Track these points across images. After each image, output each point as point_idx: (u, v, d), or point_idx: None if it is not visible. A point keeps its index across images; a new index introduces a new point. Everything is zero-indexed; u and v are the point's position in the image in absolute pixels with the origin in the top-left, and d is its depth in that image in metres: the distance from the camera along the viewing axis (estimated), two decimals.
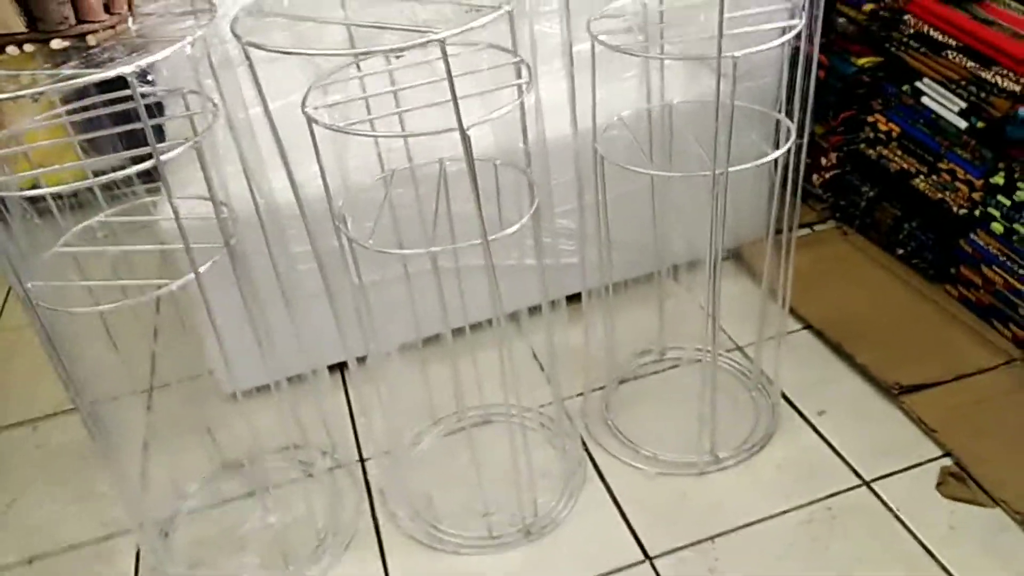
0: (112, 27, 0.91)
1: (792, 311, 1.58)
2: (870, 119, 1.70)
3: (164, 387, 1.63)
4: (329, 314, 1.19)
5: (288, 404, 1.26)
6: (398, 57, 0.88)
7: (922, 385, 1.40)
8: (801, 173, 1.19)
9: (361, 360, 1.26)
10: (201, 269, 1.00)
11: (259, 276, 1.13)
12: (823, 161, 1.83)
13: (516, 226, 1.02)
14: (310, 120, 0.93)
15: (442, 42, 0.82)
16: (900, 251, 1.70)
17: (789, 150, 1.14)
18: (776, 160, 1.15)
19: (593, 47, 1.09)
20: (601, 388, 1.51)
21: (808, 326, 1.59)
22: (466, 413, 1.47)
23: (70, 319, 1.03)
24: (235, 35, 0.89)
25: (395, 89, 1.08)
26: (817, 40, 1.09)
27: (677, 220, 1.48)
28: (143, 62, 0.85)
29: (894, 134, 1.65)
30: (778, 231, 1.27)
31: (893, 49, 1.62)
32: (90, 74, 0.83)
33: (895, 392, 1.40)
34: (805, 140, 1.16)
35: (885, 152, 1.68)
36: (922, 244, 1.64)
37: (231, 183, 1.06)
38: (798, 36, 1.03)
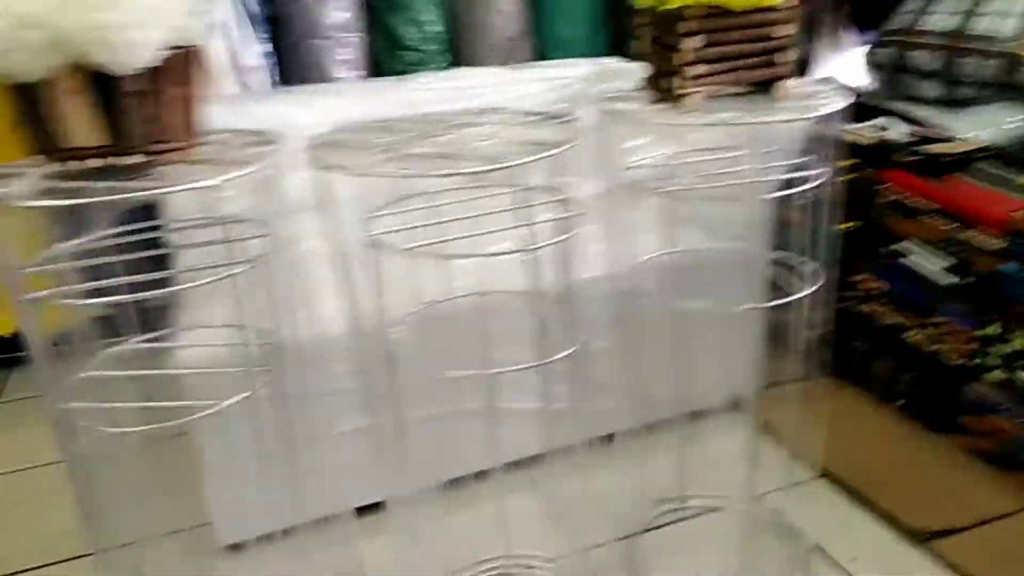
0: (184, 150, 0.92)
1: (805, 460, 1.57)
2: (857, 278, 1.79)
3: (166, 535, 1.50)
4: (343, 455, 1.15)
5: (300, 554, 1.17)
6: (481, 175, 0.91)
7: (951, 530, 1.39)
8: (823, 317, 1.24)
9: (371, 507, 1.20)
10: (228, 402, 0.96)
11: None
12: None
13: (565, 352, 1.02)
14: (373, 244, 0.94)
15: (513, 168, 0.86)
16: (899, 402, 1.74)
17: (813, 291, 1.19)
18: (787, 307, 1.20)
19: (620, 192, 1.16)
20: (625, 538, 1.45)
21: (823, 474, 1.59)
22: (482, 566, 1.38)
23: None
24: (310, 157, 0.92)
25: (441, 221, 1.11)
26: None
27: (684, 369, 1.49)
28: (225, 177, 0.86)
29: (883, 291, 1.74)
30: (775, 383, 1.30)
31: (874, 214, 1.74)
32: (172, 189, 0.84)
33: (925, 537, 1.38)
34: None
35: (875, 308, 1.76)
36: (921, 395, 1.69)
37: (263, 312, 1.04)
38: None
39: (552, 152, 0.87)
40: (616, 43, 2.43)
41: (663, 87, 1.03)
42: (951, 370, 1.61)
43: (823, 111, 0.99)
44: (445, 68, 2.31)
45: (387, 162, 0.96)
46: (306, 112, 1.63)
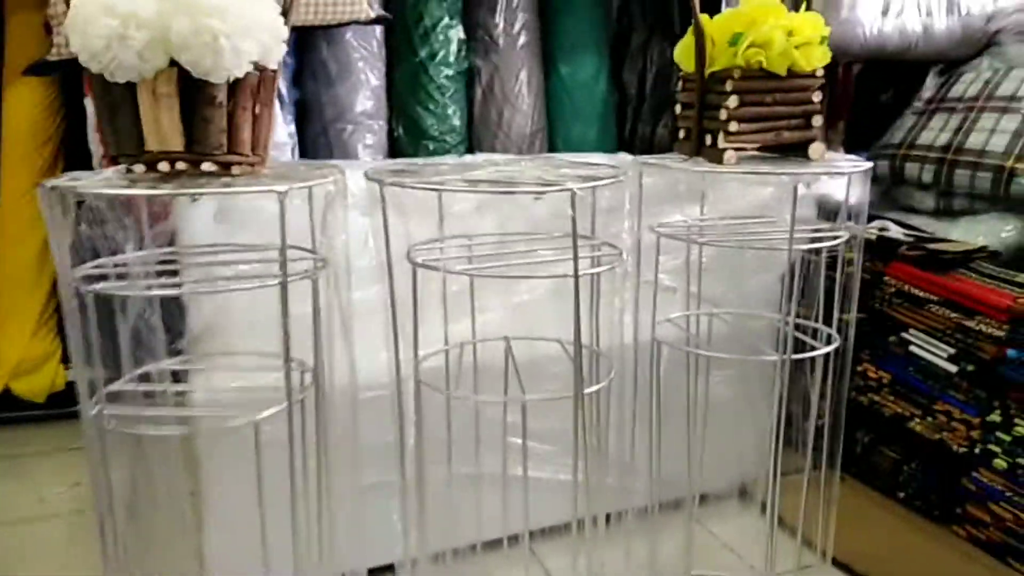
0: (252, 165, 0.97)
1: (808, 546, 1.57)
2: (859, 368, 1.83)
3: None
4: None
5: None
6: (536, 199, 0.96)
7: None
8: (847, 380, 1.27)
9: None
10: (266, 412, 0.97)
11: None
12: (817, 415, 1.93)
13: (603, 383, 1.04)
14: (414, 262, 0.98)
15: (572, 192, 0.91)
16: (902, 494, 1.74)
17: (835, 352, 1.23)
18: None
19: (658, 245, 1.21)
20: None
21: (833, 562, 1.57)
22: None
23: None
24: (373, 179, 0.97)
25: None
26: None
27: (697, 449, 1.51)
28: (295, 186, 0.91)
29: (885, 380, 1.78)
30: (785, 473, 1.32)
31: (876, 305, 1.80)
32: (246, 190, 0.88)
33: None
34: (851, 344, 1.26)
35: (877, 398, 1.80)
36: (924, 485, 1.70)
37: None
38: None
39: (605, 182, 0.93)
40: (622, 143, 2.57)
41: (702, 145, 1.10)
42: (955, 458, 1.63)
43: (859, 167, 1.07)
44: (461, 156, 2.42)
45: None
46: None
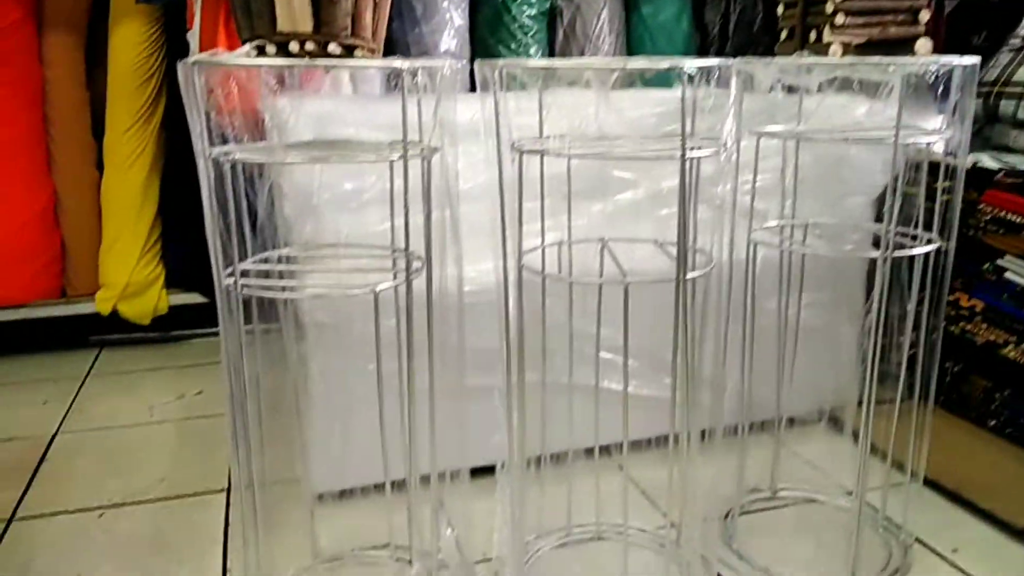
0: (371, 50, 1.02)
1: (897, 464, 1.56)
2: (951, 298, 1.81)
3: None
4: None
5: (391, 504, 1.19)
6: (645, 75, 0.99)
7: None
8: (946, 284, 1.26)
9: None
10: (383, 286, 1.01)
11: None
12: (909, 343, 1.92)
13: (703, 271, 1.07)
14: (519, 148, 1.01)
15: (682, 70, 0.94)
16: (992, 422, 1.72)
17: (933, 256, 1.23)
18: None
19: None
20: (723, 518, 1.45)
21: (924, 481, 1.57)
22: (573, 529, 1.40)
23: None
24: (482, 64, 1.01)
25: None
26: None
27: (787, 372, 1.51)
28: (416, 63, 0.96)
29: (977, 308, 1.75)
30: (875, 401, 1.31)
31: (971, 233, 1.77)
32: (372, 64, 0.93)
33: None
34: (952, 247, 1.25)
35: (969, 327, 1.77)
36: (1016, 412, 1.68)
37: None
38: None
39: (715, 62, 0.95)
40: None
41: (807, 42, 1.11)
42: None
43: (967, 59, 1.06)
44: None
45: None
46: None
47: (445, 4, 2.35)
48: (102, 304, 2.25)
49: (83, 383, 2.11)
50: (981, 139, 2.31)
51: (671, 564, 1.33)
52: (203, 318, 2.32)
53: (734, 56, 2.60)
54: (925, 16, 1.11)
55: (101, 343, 2.37)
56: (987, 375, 1.76)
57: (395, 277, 1.07)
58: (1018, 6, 2.37)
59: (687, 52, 2.55)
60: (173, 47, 2.26)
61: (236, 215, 1.01)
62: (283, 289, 1.06)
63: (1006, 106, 2.18)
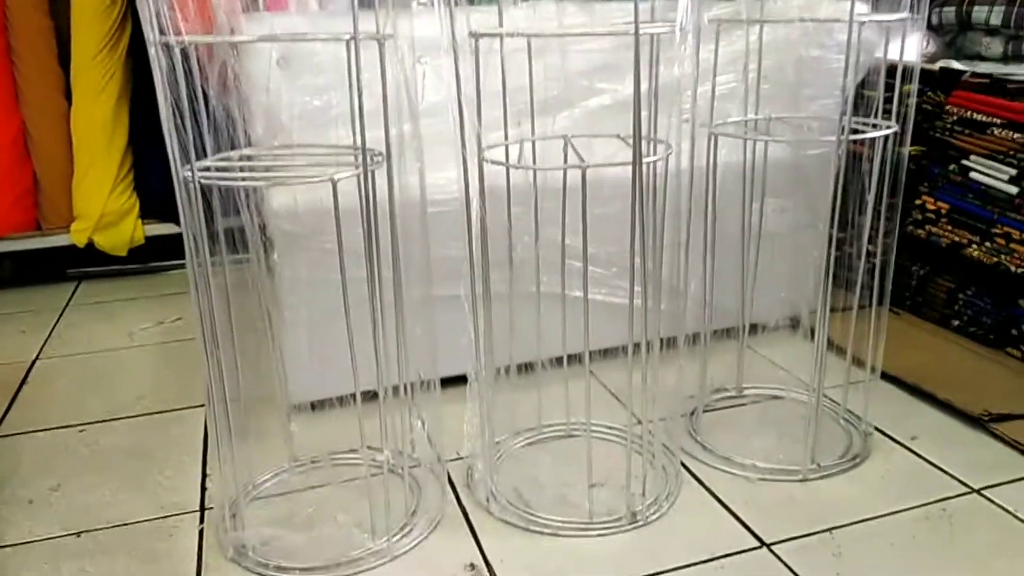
0: None
1: (859, 363, 1.60)
2: (917, 201, 1.83)
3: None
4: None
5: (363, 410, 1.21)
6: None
7: (1010, 415, 1.41)
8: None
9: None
10: (341, 175, 1.01)
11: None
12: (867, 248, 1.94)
13: (660, 156, 1.07)
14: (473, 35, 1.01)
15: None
16: (956, 322, 1.76)
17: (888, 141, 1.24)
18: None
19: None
20: (688, 414, 1.49)
21: (882, 376, 1.61)
22: (543, 429, 1.44)
23: None
24: None
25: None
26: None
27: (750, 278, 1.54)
28: None
29: (943, 211, 1.78)
30: (836, 308, 1.33)
31: (937, 135, 1.79)
32: None
33: (984, 420, 1.40)
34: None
35: (935, 229, 1.80)
36: (979, 311, 1.71)
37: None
38: None
39: None
40: None
41: None
42: (1012, 279, 1.63)
43: None
44: None
45: None
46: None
47: None
48: (77, 235, 2.25)
49: (62, 313, 2.12)
50: (954, 49, 2.31)
51: (636, 456, 1.37)
52: (181, 248, 2.32)
53: None
54: None
55: (79, 276, 2.38)
56: (952, 276, 1.79)
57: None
58: None
59: None
60: None
61: (191, 107, 1.01)
62: (242, 180, 1.06)
63: (978, 13, 2.17)
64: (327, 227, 1.26)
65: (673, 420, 1.44)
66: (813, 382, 1.28)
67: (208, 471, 1.37)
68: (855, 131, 1.19)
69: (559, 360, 1.45)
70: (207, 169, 1.06)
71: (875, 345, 1.37)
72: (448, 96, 1.10)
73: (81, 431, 1.51)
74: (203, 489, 1.32)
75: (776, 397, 1.56)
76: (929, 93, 1.81)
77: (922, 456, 1.35)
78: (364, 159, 1.00)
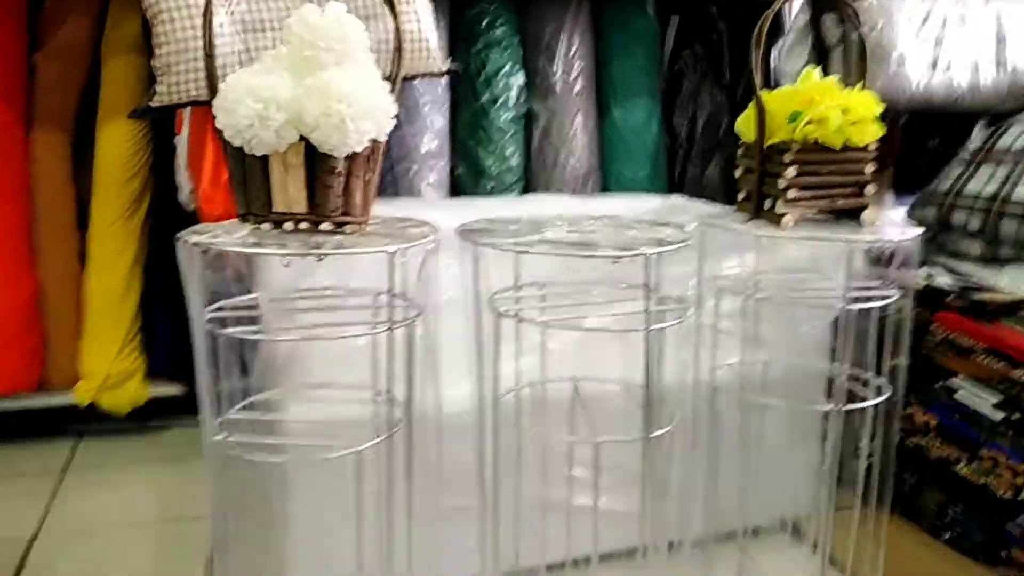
0: (360, 224, 1.09)
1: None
2: (907, 411, 1.90)
3: None
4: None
5: None
6: (614, 262, 1.06)
7: None
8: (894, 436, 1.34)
9: None
10: (367, 444, 1.08)
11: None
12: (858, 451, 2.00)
13: (667, 428, 1.13)
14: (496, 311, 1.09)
15: (646, 256, 1.02)
16: (946, 535, 1.80)
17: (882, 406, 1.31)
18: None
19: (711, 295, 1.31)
20: None
21: None
22: None
23: None
24: (466, 240, 1.08)
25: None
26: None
27: (751, 482, 1.58)
28: (404, 246, 1.03)
29: (931, 424, 1.84)
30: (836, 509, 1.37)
31: (924, 351, 1.87)
32: (366, 251, 1.00)
33: None
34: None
35: (924, 441, 1.86)
36: (969, 527, 1.75)
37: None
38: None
39: (677, 245, 1.03)
40: (672, 184, 2.67)
41: (761, 208, 1.20)
42: (999, 503, 1.68)
43: (908, 234, 1.16)
44: (519, 195, 2.54)
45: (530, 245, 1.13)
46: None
47: (426, 108, 2.45)
48: (82, 395, 2.27)
49: (61, 481, 2.13)
50: (936, 245, 2.44)
51: None
52: (179, 408, 2.35)
53: (701, 159, 2.72)
54: (871, 190, 1.20)
55: (79, 432, 2.39)
56: (941, 489, 1.83)
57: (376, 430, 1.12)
58: (970, 118, 2.52)
59: (656, 153, 2.66)
60: (160, 144, 2.32)
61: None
62: (270, 449, 1.11)
63: (958, 216, 2.30)
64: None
65: None
66: None
67: None
68: (851, 397, 1.26)
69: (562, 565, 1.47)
70: (234, 424, 1.10)
71: (874, 564, 1.39)
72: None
73: None
74: None
75: None
76: (915, 310, 1.90)
77: None
78: (390, 434, 1.05)
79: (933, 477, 1.85)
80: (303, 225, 1.03)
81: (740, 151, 1.27)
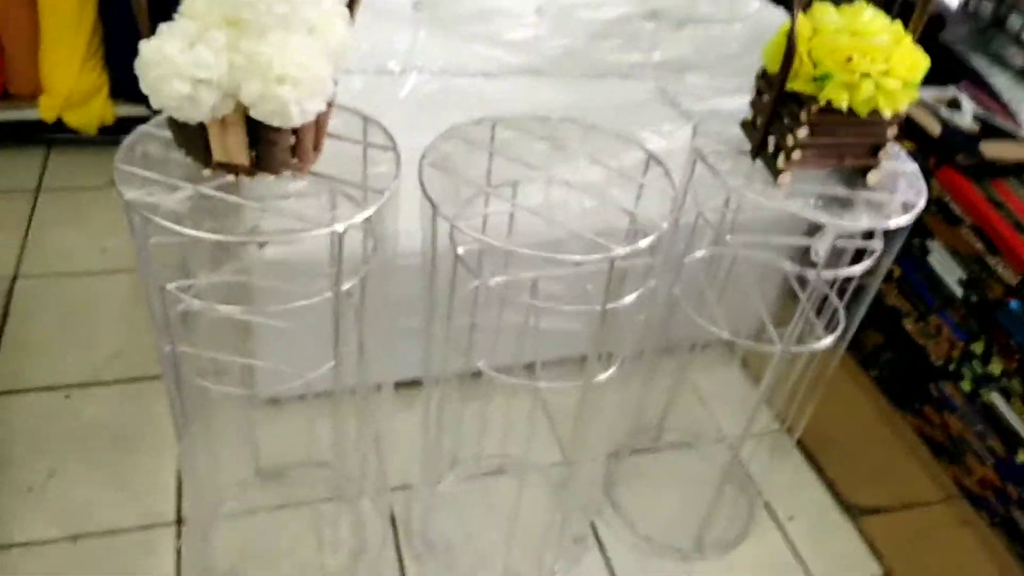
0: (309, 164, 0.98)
1: (777, 407, 1.79)
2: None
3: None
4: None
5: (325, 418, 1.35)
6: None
7: (877, 509, 1.65)
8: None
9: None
10: (348, 284, 1.07)
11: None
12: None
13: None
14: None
15: (612, 260, 0.95)
16: (874, 373, 1.93)
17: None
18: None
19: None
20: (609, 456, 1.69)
21: (789, 429, 1.82)
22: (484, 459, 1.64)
23: None
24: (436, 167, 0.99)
25: None
26: None
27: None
28: (349, 223, 0.94)
29: (895, 274, 1.86)
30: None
31: None
32: (313, 231, 0.92)
33: (855, 512, 1.65)
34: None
35: (883, 286, 1.89)
36: (895, 373, 1.88)
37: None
38: None
39: (647, 241, 0.96)
40: None
41: (764, 147, 1.09)
42: (929, 365, 1.79)
43: (895, 220, 1.07)
44: None
45: None
46: None
47: None
48: (46, 111, 2.18)
49: (33, 208, 2.15)
50: (982, 41, 2.20)
51: (557, 511, 1.60)
52: None
53: None
54: (883, 154, 1.08)
55: (48, 141, 2.34)
56: (883, 333, 1.92)
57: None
58: None
59: None
60: None
61: None
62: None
63: (1013, 20, 2.08)
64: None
65: (596, 464, 1.65)
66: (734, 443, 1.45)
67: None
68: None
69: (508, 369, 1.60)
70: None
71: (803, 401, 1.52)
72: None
73: (67, 397, 1.67)
74: (179, 497, 1.53)
75: (688, 444, 1.77)
76: (924, 152, 1.79)
77: (792, 543, 1.61)
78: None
79: (879, 321, 1.93)
80: (245, 178, 0.92)
81: (759, 73, 1.10)
